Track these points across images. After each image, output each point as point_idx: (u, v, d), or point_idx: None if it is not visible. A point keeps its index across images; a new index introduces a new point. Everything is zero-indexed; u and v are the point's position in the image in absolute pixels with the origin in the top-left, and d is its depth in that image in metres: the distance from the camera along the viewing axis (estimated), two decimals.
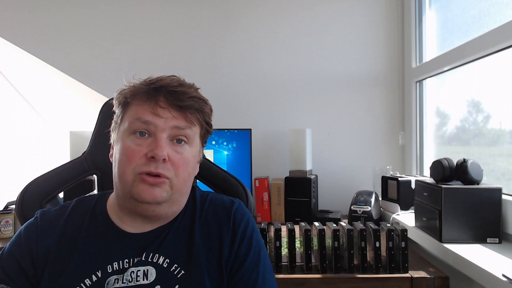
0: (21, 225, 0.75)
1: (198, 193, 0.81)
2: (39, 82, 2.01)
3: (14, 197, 0.94)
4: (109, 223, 0.72)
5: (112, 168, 0.73)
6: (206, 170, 0.96)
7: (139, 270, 0.67)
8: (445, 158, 1.10)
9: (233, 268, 0.71)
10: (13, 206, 1.43)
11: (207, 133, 0.78)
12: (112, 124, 0.75)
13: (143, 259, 0.68)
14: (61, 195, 0.96)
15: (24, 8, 1.81)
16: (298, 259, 1.09)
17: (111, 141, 0.75)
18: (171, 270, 0.68)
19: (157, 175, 0.67)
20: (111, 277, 0.66)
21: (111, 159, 0.75)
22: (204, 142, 0.79)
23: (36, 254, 0.68)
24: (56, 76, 1.84)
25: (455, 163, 1.09)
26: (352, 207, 1.42)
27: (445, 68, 1.43)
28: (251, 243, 0.73)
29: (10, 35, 1.78)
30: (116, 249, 0.69)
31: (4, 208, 1.46)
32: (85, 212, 0.74)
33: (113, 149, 0.74)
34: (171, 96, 0.69)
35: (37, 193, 0.89)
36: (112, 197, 0.76)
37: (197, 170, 0.79)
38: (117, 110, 0.74)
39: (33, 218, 0.74)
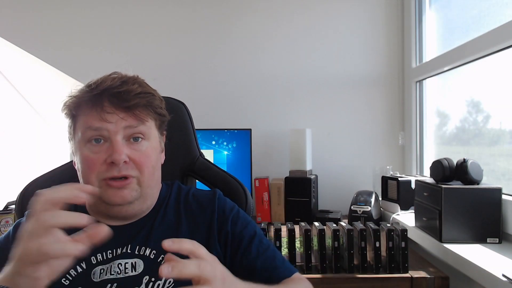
0: None
1: (181, 187, 0.83)
2: (39, 82, 2.01)
3: (14, 197, 0.94)
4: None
5: None
6: (206, 170, 0.96)
7: (127, 263, 0.69)
8: (445, 158, 1.10)
9: (233, 245, 0.73)
10: (13, 206, 1.42)
11: (163, 122, 0.78)
12: (67, 135, 0.75)
13: (129, 251, 0.70)
14: None
15: (24, 8, 1.81)
16: (298, 259, 1.09)
17: (71, 151, 0.76)
18: (159, 261, 0.69)
19: (123, 177, 0.68)
20: (96, 267, 0.68)
21: (75, 168, 0.75)
22: (163, 130, 0.79)
23: None
24: (56, 76, 1.84)
25: (455, 163, 1.09)
26: (352, 207, 1.42)
27: (445, 68, 1.42)
28: (239, 218, 0.77)
29: (10, 35, 1.78)
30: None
31: (4, 208, 1.46)
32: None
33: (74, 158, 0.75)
34: (115, 98, 0.68)
35: None
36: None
37: (163, 159, 0.80)
38: (67, 121, 0.74)
39: (22, 218, 0.77)
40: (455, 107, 1.47)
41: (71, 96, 0.72)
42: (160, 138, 0.78)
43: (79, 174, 0.72)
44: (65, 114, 0.73)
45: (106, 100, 0.68)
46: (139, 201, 0.71)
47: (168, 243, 0.48)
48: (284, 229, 1.10)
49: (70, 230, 0.50)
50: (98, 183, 0.68)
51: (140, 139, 0.71)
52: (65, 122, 0.75)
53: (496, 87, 1.23)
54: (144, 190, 0.71)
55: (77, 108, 0.71)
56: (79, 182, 0.93)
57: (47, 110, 2.10)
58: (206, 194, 0.82)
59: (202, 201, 0.79)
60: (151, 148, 0.73)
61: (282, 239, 1.10)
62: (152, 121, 0.74)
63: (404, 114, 1.79)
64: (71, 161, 0.94)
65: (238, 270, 0.70)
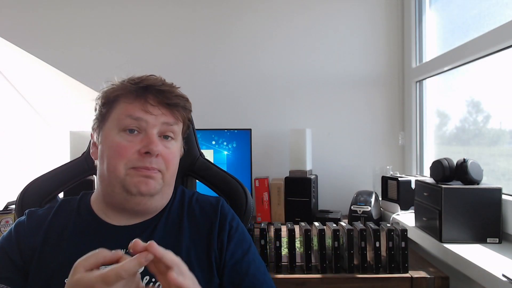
0: None
1: (185, 191, 0.84)
2: (39, 82, 2.01)
3: (14, 197, 0.94)
4: (95, 218, 0.75)
5: None
6: (206, 170, 0.96)
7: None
8: (445, 158, 1.10)
9: (226, 257, 0.73)
10: (13, 206, 1.42)
11: (187, 129, 0.83)
12: (94, 123, 0.76)
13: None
14: (61, 195, 0.96)
15: (24, 8, 1.81)
16: (298, 259, 1.09)
17: (94, 139, 0.77)
18: None
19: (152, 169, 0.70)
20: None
21: (93, 157, 0.77)
22: (184, 137, 0.82)
23: (24, 250, 0.70)
24: (56, 76, 1.84)
25: (455, 163, 1.09)
26: (352, 207, 1.42)
27: (445, 68, 1.43)
28: (238, 232, 0.77)
29: (10, 35, 1.78)
30: (102, 242, 0.70)
31: (4, 208, 1.46)
32: (70, 211, 0.76)
33: (96, 147, 0.76)
34: (160, 94, 0.72)
35: (37, 193, 0.89)
36: (95, 195, 0.78)
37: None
38: (101, 108, 0.74)
39: (23, 216, 0.76)
40: (455, 107, 1.47)
41: (113, 85, 0.74)
42: (181, 143, 0.81)
43: (102, 162, 0.72)
44: (104, 100, 0.74)
45: (151, 94, 0.72)
46: (159, 195, 0.73)
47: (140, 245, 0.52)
48: (284, 229, 1.10)
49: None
50: (125, 171, 0.69)
51: (169, 138, 0.74)
52: (95, 110, 0.76)
53: (496, 87, 1.23)
54: (165, 187, 0.74)
55: (117, 97, 0.73)
56: (79, 182, 0.94)
57: (47, 110, 2.10)
58: (210, 200, 0.82)
59: (205, 207, 0.79)
60: (177, 148, 0.77)
61: (282, 239, 1.10)
62: (181, 124, 0.78)
63: (404, 114, 1.79)
64: (71, 161, 0.94)
65: (225, 283, 0.71)
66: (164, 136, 0.73)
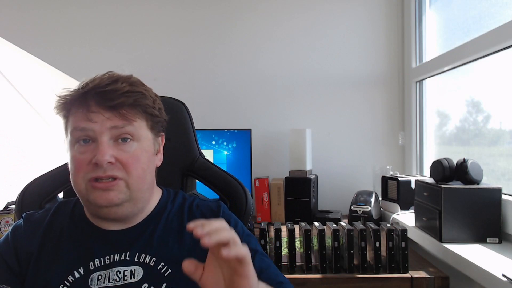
0: None
1: (185, 197, 0.82)
2: (39, 82, 2.01)
3: (14, 197, 0.94)
4: (88, 223, 0.74)
5: None
6: (206, 170, 0.96)
7: (126, 270, 0.68)
8: (445, 158, 1.10)
9: None
10: (13, 206, 1.42)
11: (156, 123, 0.75)
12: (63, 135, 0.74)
13: (128, 258, 0.69)
14: (61, 195, 0.96)
15: (24, 8, 1.81)
16: (298, 259, 1.09)
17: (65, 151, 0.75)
18: (158, 268, 0.69)
19: (110, 178, 0.66)
20: (94, 273, 0.67)
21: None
22: (157, 131, 0.76)
23: (21, 255, 0.70)
24: (56, 76, 1.84)
25: (455, 163, 1.09)
26: (352, 207, 1.42)
27: (445, 68, 1.42)
28: (243, 235, 0.75)
29: (10, 35, 1.79)
30: (96, 246, 0.70)
31: (4, 208, 1.46)
32: (65, 214, 0.76)
33: None
34: (100, 97, 0.66)
35: (37, 193, 0.89)
36: None
37: (158, 161, 0.77)
38: (63, 120, 0.73)
39: (20, 220, 0.76)
40: (455, 107, 1.47)
41: (60, 97, 0.70)
42: (153, 140, 0.74)
43: (70, 175, 0.71)
44: (57, 115, 0.72)
45: (91, 99, 0.67)
46: (129, 203, 0.69)
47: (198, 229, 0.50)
48: (284, 229, 1.10)
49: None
50: (84, 184, 0.67)
51: (128, 140, 0.68)
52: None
53: (496, 87, 1.23)
54: (134, 193, 0.69)
55: (66, 109, 0.70)
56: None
57: (47, 110, 2.10)
58: (210, 206, 0.80)
59: (206, 213, 0.77)
60: (141, 149, 0.70)
61: (282, 239, 1.09)
62: (142, 121, 0.71)
63: (404, 114, 1.79)
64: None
65: None
66: (122, 139, 0.68)
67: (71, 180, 0.70)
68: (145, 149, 0.71)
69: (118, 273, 0.67)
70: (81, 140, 0.67)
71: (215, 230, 0.50)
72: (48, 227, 0.73)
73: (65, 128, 0.72)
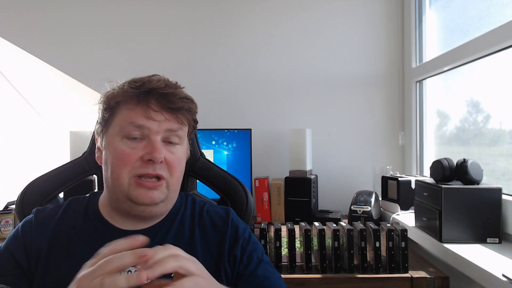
0: None
1: (195, 201, 0.82)
2: (39, 82, 2.01)
3: (14, 197, 0.94)
4: (103, 221, 0.74)
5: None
6: (206, 170, 0.96)
7: (137, 271, 0.67)
8: (445, 158, 1.10)
9: (239, 269, 0.73)
10: (13, 206, 1.42)
11: (193, 130, 0.81)
12: (97, 127, 0.74)
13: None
14: (61, 195, 0.96)
15: (24, 8, 1.81)
16: (298, 259, 1.09)
17: (98, 144, 0.75)
18: None
19: (156, 177, 0.69)
20: None
21: (98, 162, 0.75)
22: (190, 139, 0.81)
23: (30, 250, 0.69)
24: (56, 76, 1.84)
25: (455, 163, 1.09)
26: (352, 207, 1.42)
27: (445, 68, 1.43)
28: (250, 242, 0.76)
29: (10, 35, 1.78)
30: None
31: (4, 208, 1.46)
32: (78, 212, 0.75)
33: (100, 151, 0.75)
34: (163, 98, 0.69)
35: (37, 193, 0.89)
36: (103, 197, 0.77)
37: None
38: (103, 114, 0.73)
39: (30, 215, 0.75)
40: (455, 107, 1.47)
41: (114, 89, 0.72)
42: (188, 145, 0.79)
43: (106, 169, 0.71)
44: (105, 105, 0.72)
45: (153, 99, 0.69)
46: (164, 203, 0.71)
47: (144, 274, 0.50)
48: (284, 229, 1.10)
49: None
50: (128, 179, 0.68)
51: (176, 143, 0.72)
52: (98, 114, 0.74)
53: (496, 87, 1.23)
54: (170, 194, 0.72)
55: (118, 102, 0.70)
56: (79, 182, 0.94)
57: (47, 110, 2.10)
58: (220, 212, 0.80)
59: (216, 220, 0.78)
60: (183, 153, 0.74)
61: (282, 239, 1.10)
62: (187, 127, 0.75)
63: (404, 114, 1.79)
64: (71, 161, 0.94)
65: None
66: (170, 141, 0.71)
67: (109, 172, 0.70)
68: (185, 153, 0.76)
69: (129, 273, 0.67)
70: (131, 135, 0.68)
71: (161, 261, 0.49)
72: (59, 224, 0.73)
73: (107, 121, 0.72)
